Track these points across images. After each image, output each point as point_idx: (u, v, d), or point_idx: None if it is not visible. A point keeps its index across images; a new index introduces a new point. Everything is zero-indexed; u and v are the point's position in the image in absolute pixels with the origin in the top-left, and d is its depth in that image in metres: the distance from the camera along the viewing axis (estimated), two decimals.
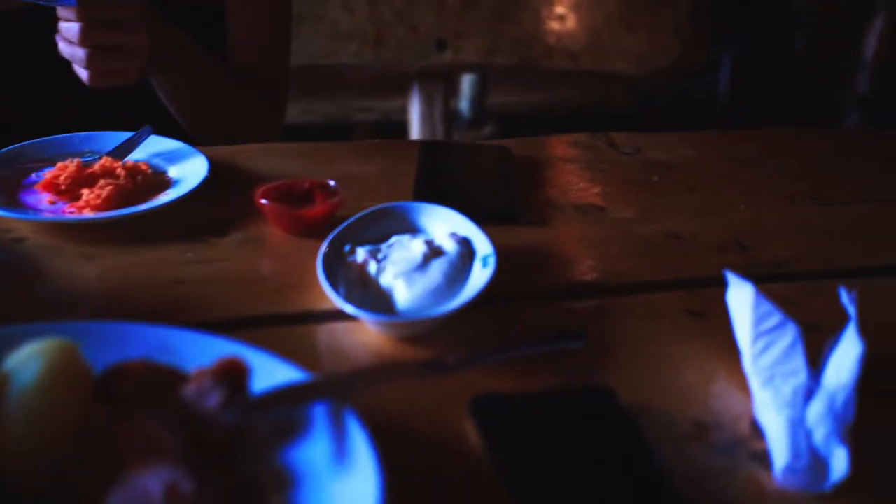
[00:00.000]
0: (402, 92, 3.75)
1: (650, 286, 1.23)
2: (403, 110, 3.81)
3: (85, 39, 1.40)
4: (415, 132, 3.52)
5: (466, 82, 3.98)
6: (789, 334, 0.94)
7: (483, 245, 1.17)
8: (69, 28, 1.41)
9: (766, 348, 0.95)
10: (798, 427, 0.88)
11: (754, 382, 0.95)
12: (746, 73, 4.40)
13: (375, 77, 3.96)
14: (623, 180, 1.56)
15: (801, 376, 0.92)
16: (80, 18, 1.39)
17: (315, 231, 1.29)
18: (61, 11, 1.42)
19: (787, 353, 0.94)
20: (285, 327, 1.09)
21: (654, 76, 3.30)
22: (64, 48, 1.45)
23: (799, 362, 0.93)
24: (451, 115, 3.71)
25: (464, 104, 4.02)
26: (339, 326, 1.09)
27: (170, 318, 1.03)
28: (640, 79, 3.39)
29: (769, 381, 0.93)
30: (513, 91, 4.25)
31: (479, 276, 1.11)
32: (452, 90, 3.82)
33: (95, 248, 1.26)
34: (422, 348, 1.05)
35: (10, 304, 1.13)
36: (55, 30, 1.45)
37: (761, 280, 1.03)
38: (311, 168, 1.54)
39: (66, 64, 1.47)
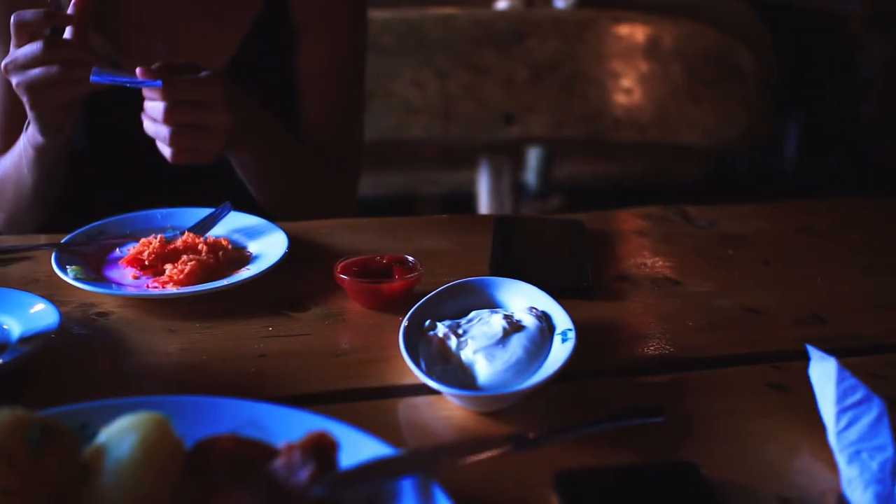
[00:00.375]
0: (469, 165, 3.78)
1: (729, 360, 1.23)
2: (470, 183, 3.83)
3: (169, 118, 1.45)
4: (483, 205, 3.54)
5: (533, 155, 4.01)
6: (874, 409, 0.94)
7: (562, 319, 1.18)
8: (154, 107, 1.46)
9: (851, 423, 0.94)
10: (888, 503, 0.87)
11: (840, 457, 0.94)
12: (812, 143, 4.38)
13: (442, 151, 4.00)
14: (698, 253, 1.56)
15: (889, 451, 0.91)
16: (165, 98, 1.44)
17: (393, 306, 1.31)
18: (147, 91, 1.46)
19: (873, 428, 0.93)
20: (367, 401, 1.11)
21: (721, 147, 3.30)
22: (148, 126, 1.49)
23: (886, 437, 0.92)
24: (518, 188, 3.73)
25: (530, 176, 4.04)
26: (420, 400, 1.10)
27: (253, 392, 1.05)
28: (706, 150, 3.38)
29: (855, 456, 0.92)
30: (579, 163, 4.27)
31: (560, 350, 1.12)
32: (519, 163, 3.84)
33: (179, 322, 1.29)
34: (501, 423, 1.05)
35: (95, 378, 1.16)
36: (140, 109, 1.49)
37: (842, 353, 1.02)
38: (387, 243, 1.56)
39: (149, 141, 1.51)
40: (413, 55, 3.09)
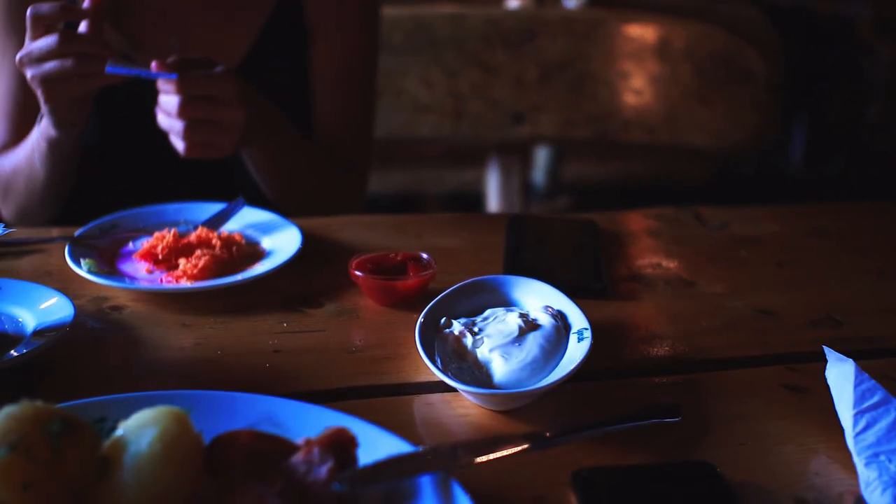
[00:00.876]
0: (474, 164, 3.77)
1: (744, 361, 1.22)
2: (474, 182, 3.83)
3: (183, 112, 1.45)
4: (492, 204, 3.54)
5: (541, 154, 4.00)
6: (893, 412, 0.94)
7: (577, 318, 1.17)
8: (169, 101, 1.46)
9: (869, 426, 0.94)
10: None
11: (858, 460, 0.94)
12: (819, 145, 4.38)
13: (449, 149, 4.00)
14: (710, 255, 1.55)
15: None
16: (179, 92, 1.44)
17: (407, 303, 1.30)
18: (161, 86, 1.46)
19: (892, 431, 0.93)
20: (382, 398, 1.10)
21: (730, 149, 3.29)
22: (162, 120, 1.50)
23: None
24: (526, 187, 3.72)
25: (538, 176, 4.03)
26: (436, 398, 1.10)
27: (267, 388, 1.04)
28: (715, 152, 3.38)
29: (874, 458, 0.92)
30: (586, 163, 4.26)
31: (576, 349, 1.11)
32: (528, 162, 3.84)
33: (192, 316, 1.28)
34: (517, 421, 1.05)
35: (109, 372, 1.16)
36: (153, 104, 1.50)
37: (857, 356, 1.02)
38: (400, 240, 1.56)
39: (162, 136, 1.51)
40: (422, 53, 3.08)
